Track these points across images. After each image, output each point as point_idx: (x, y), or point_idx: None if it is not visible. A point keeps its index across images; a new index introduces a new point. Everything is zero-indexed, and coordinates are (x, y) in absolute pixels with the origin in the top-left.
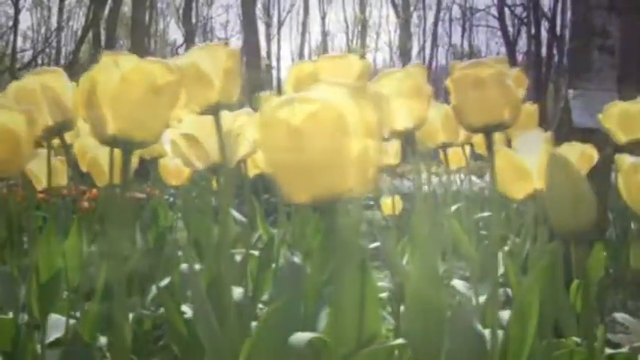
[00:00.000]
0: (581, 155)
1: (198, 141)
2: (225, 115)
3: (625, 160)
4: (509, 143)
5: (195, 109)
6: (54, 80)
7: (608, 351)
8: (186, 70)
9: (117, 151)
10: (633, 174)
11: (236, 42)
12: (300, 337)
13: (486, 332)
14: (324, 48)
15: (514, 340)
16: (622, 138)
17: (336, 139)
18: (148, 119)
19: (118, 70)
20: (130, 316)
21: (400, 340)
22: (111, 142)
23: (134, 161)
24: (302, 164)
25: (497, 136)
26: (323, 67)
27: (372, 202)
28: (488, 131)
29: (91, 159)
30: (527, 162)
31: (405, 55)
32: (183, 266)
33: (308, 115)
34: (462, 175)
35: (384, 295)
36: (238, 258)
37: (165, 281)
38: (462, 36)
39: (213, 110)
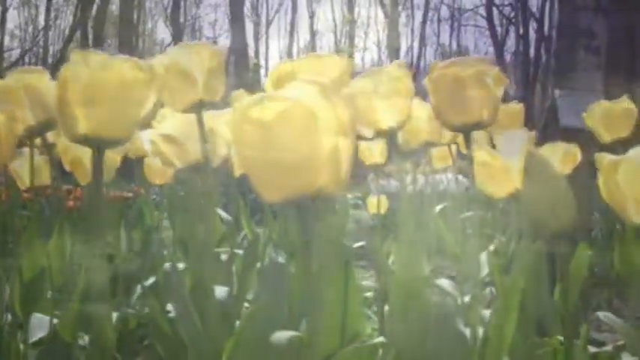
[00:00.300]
0: (565, 155)
1: (177, 140)
2: (211, 114)
3: (605, 158)
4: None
5: (178, 107)
6: (37, 79)
7: (593, 349)
8: (169, 68)
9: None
10: (612, 172)
11: (224, 41)
12: (281, 335)
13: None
14: (312, 47)
15: (494, 338)
16: (605, 137)
17: (307, 137)
18: (119, 118)
19: (88, 69)
20: (115, 315)
21: (381, 339)
22: (82, 140)
23: (116, 160)
24: (273, 162)
25: (481, 135)
26: (304, 66)
27: (360, 202)
28: (467, 130)
29: (74, 158)
30: (509, 161)
31: (393, 55)
32: (167, 265)
33: (279, 113)
34: (449, 175)
35: (369, 294)
36: (224, 257)
37: (150, 281)
38: (451, 36)
39: (197, 109)
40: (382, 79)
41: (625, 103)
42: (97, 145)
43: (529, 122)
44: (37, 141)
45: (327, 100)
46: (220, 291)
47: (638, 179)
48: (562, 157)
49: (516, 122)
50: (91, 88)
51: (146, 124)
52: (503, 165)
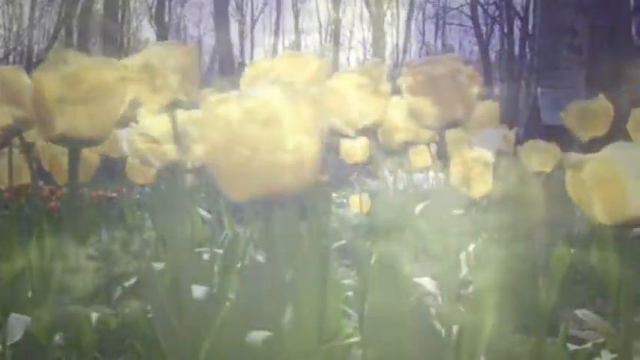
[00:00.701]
0: (545, 152)
1: (156, 140)
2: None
3: (572, 157)
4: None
5: (152, 107)
6: (14, 78)
7: (573, 347)
8: (143, 68)
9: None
10: (578, 172)
11: (209, 40)
12: (256, 335)
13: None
14: (297, 46)
15: (468, 337)
16: (583, 135)
17: (271, 136)
18: (95, 117)
19: (64, 68)
20: (95, 315)
21: (355, 339)
22: (58, 140)
23: (95, 160)
24: (238, 162)
25: (459, 134)
26: (281, 65)
27: (344, 201)
28: (442, 129)
29: (52, 157)
30: (484, 160)
31: (378, 54)
32: (145, 265)
33: (244, 111)
34: (431, 173)
35: (351, 293)
36: (206, 257)
37: (132, 281)
38: (436, 34)
39: (170, 108)
40: (356, 78)
41: (602, 101)
42: (73, 145)
43: (514, 120)
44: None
45: (293, 100)
46: (199, 290)
47: (603, 179)
48: (542, 154)
49: (493, 120)
50: (67, 88)
51: (124, 123)
52: (479, 164)
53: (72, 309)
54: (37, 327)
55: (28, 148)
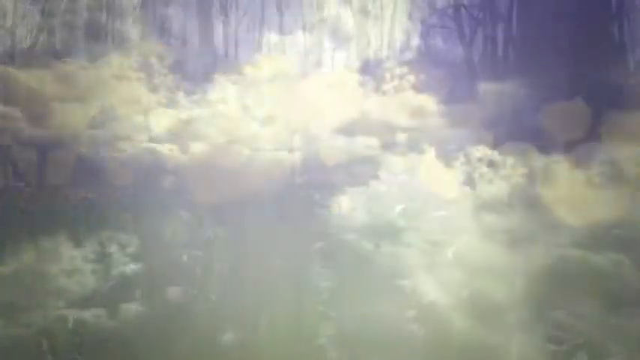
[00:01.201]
0: (523, 154)
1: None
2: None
3: (546, 160)
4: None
5: (127, 109)
6: None
7: (553, 347)
8: (119, 70)
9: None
10: (551, 175)
11: (193, 41)
12: (232, 336)
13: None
14: (282, 47)
15: (441, 334)
16: (561, 137)
17: (233, 139)
18: (64, 119)
19: (33, 70)
20: (72, 318)
21: (324, 340)
22: (27, 141)
23: (72, 161)
24: (204, 165)
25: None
26: (259, 67)
27: (327, 202)
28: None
29: (29, 160)
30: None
31: (362, 55)
32: (129, 267)
33: (211, 116)
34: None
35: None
36: (185, 258)
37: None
38: (420, 36)
39: (145, 109)
40: (331, 79)
41: (580, 103)
42: (42, 146)
43: (496, 122)
44: None
45: (262, 104)
46: (175, 291)
47: (572, 182)
48: (520, 156)
49: (473, 122)
50: (36, 90)
51: (100, 124)
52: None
53: (50, 312)
54: (9, 330)
55: (5, 151)
